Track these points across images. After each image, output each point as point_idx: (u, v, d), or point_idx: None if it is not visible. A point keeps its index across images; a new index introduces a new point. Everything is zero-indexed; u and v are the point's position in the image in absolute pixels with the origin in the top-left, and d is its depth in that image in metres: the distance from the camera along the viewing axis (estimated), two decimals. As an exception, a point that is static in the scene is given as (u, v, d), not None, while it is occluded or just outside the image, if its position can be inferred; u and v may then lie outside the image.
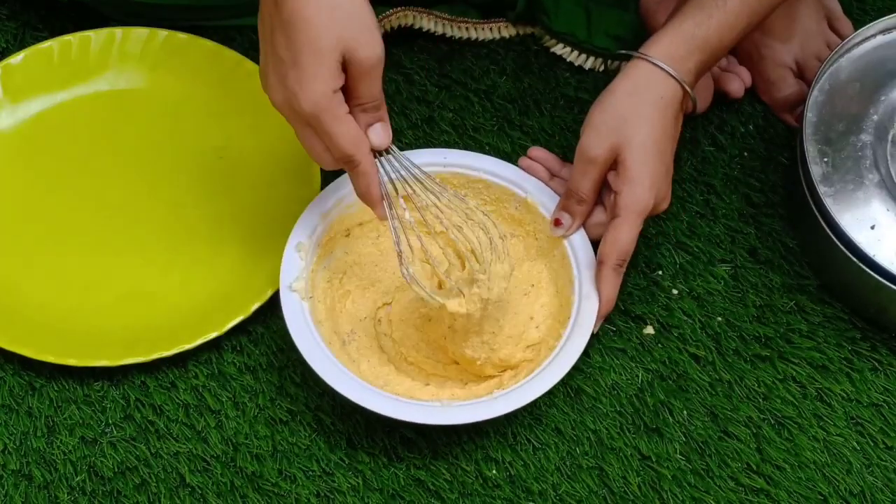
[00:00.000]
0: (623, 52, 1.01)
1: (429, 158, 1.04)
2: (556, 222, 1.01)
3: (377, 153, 0.95)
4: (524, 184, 1.04)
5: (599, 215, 1.01)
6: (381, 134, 0.94)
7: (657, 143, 0.97)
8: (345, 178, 1.01)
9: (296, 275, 0.99)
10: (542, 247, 1.05)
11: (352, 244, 1.04)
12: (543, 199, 1.03)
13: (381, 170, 0.95)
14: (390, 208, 0.95)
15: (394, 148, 0.95)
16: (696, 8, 0.98)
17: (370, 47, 0.90)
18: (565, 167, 1.06)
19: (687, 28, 0.98)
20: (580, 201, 1.00)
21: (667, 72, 0.97)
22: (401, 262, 0.93)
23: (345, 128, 0.91)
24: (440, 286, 0.96)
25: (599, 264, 0.99)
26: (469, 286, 0.94)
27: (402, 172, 0.95)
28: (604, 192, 1.01)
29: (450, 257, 0.95)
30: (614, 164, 0.98)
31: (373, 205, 0.95)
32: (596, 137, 0.98)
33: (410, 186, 0.96)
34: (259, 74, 0.92)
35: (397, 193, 0.95)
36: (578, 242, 1.01)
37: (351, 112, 0.91)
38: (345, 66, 0.90)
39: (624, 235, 0.97)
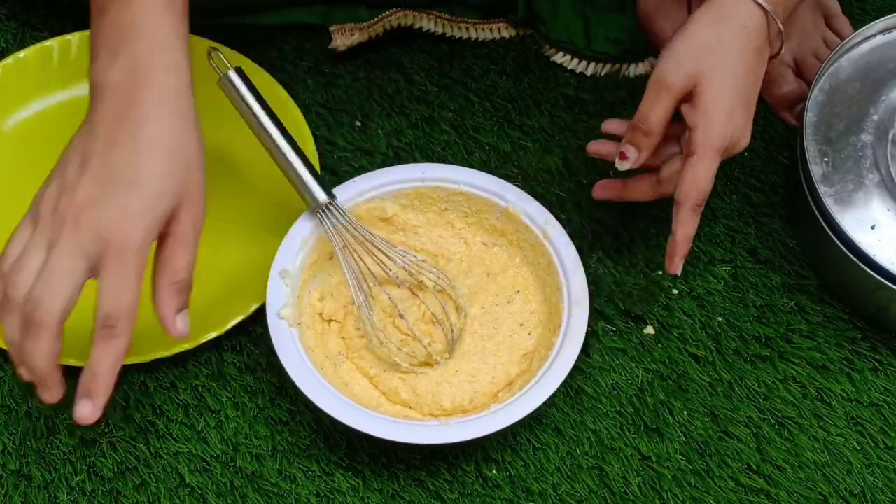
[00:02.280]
0: None
1: (407, 174, 1.04)
2: (622, 156, 0.96)
3: (323, 210, 0.99)
4: (505, 194, 1.04)
5: (676, 164, 0.96)
6: (186, 325, 0.86)
7: (737, 75, 0.92)
8: None
9: (283, 302, 0.98)
10: (526, 255, 1.04)
11: (336, 266, 1.03)
12: (525, 208, 1.03)
13: (327, 223, 0.99)
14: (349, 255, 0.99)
15: (337, 205, 1.00)
16: None
17: (201, 206, 0.85)
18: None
19: None
20: (647, 133, 0.94)
21: (754, 0, 0.92)
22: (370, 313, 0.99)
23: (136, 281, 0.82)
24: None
25: (677, 205, 0.94)
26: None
27: (351, 231, 1.00)
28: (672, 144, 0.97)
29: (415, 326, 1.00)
30: (689, 95, 0.93)
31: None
32: (675, 64, 0.92)
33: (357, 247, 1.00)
34: (54, 170, 0.84)
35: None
36: (564, 249, 1.01)
37: (157, 289, 0.85)
38: (168, 220, 0.84)
39: (701, 174, 0.92)
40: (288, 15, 1.18)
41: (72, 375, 1.01)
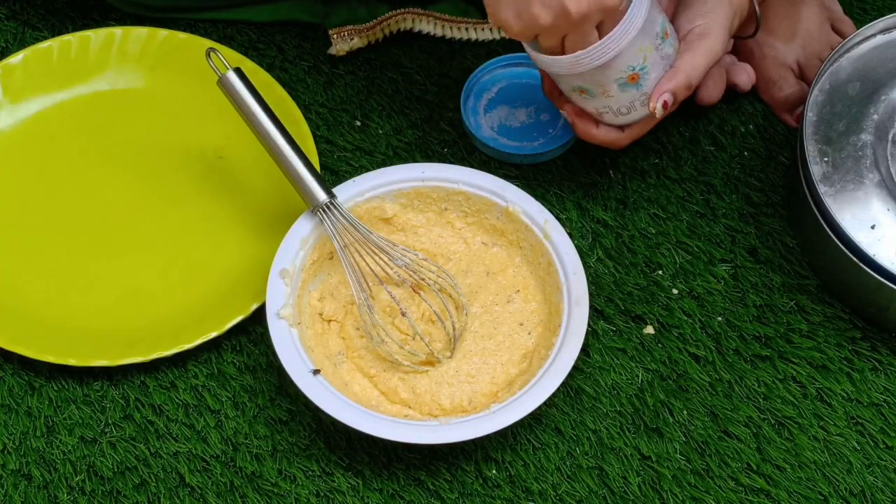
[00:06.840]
0: None
1: (407, 174, 1.04)
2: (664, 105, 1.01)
3: (323, 209, 0.99)
4: (505, 193, 1.04)
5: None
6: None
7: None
8: None
9: (283, 302, 0.98)
10: (526, 255, 1.04)
11: (336, 266, 1.04)
12: (525, 208, 1.03)
13: (328, 223, 0.99)
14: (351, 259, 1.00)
15: (337, 204, 1.00)
16: None
17: None
18: None
19: None
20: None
21: None
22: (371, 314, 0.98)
23: None
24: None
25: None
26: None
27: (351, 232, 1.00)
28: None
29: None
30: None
31: None
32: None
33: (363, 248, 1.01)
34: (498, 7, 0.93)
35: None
36: (564, 249, 1.01)
37: None
38: None
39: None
40: (284, 11, 1.17)
41: (72, 375, 1.02)
